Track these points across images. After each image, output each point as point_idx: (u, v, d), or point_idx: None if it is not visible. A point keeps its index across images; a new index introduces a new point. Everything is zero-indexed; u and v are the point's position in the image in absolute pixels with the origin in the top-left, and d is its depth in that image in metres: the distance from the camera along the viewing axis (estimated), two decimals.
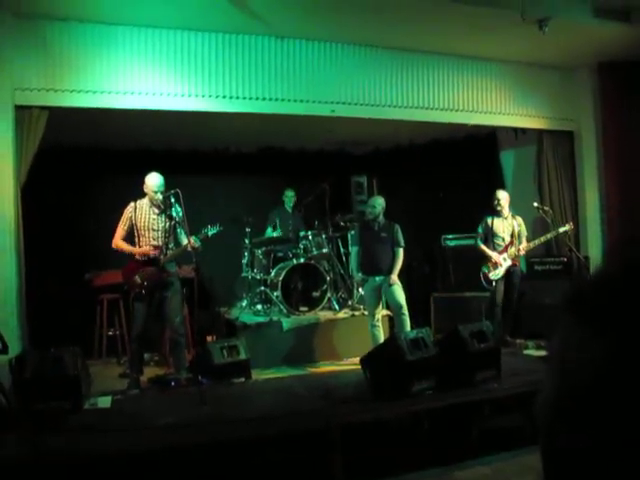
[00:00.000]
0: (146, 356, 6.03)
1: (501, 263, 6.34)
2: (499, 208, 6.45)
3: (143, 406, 4.66)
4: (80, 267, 7.00)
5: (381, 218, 6.17)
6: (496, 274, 6.33)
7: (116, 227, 5.34)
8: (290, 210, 7.94)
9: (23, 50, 5.17)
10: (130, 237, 5.35)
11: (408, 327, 5.85)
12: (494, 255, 6.37)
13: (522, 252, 6.41)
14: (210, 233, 5.36)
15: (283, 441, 3.94)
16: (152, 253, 5.26)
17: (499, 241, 6.43)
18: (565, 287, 6.83)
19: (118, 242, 5.32)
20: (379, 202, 6.20)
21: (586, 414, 0.60)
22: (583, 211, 7.35)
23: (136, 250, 5.30)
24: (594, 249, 7.20)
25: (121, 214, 5.36)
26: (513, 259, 6.39)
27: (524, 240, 6.49)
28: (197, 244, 5.18)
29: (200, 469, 3.69)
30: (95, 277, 6.92)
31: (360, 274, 6.24)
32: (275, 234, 7.55)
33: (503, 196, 6.50)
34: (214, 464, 3.74)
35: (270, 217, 7.82)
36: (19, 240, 5.16)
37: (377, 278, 6.08)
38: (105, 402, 4.57)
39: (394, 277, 6.01)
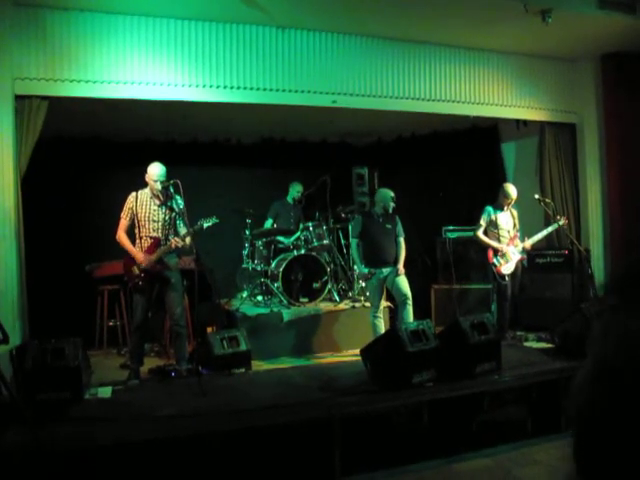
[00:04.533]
0: (146, 347, 6.02)
1: (511, 257, 6.20)
2: (508, 202, 6.25)
3: (143, 397, 4.66)
4: (81, 258, 7.00)
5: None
6: (508, 268, 6.18)
7: (117, 218, 5.31)
8: (292, 202, 7.92)
9: (23, 39, 5.14)
10: (132, 228, 5.32)
11: (411, 317, 5.86)
12: (503, 247, 6.19)
13: (528, 247, 6.29)
14: (205, 225, 5.31)
15: (283, 432, 3.95)
16: (140, 266, 5.20)
17: (504, 234, 6.26)
18: (567, 278, 6.84)
19: (121, 235, 5.27)
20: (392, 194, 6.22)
21: (618, 385, 0.61)
22: (585, 204, 7.31)
23: (134, 252, 5.22)
24: (595, 242, 7.19)
25: (122, 205, 5.32)
26: (522, 255, 6.28)
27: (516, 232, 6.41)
28: (180, 243, 5.16)
29: (200, 459, 3.70)
30: (96, 268, 6.93)
31: (365, 267, 6.17)
32: (275, 226, 7.54)
33: (515, 192, 6.26)
34: (214, 454, 3.75)
35: (271, 209, 7.81)
36: (19, 230, 5.15)
37: (384, 270, 6.05)
38: (105, 392, 4.59)
39: (401, 267, 6.03)
